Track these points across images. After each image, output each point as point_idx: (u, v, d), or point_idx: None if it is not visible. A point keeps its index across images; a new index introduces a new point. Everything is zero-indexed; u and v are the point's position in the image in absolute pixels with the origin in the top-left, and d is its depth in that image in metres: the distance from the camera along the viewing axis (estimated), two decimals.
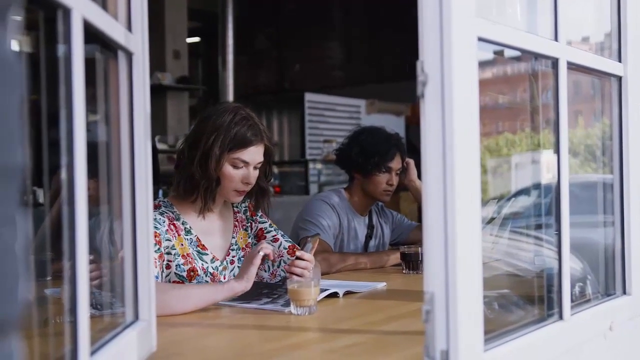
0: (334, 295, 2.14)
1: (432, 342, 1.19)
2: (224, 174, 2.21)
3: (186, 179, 2.21)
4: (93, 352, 1.12)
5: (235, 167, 2.21)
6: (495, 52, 1.50)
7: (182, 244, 2.20)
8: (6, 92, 0.52)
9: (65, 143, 1.02)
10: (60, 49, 1.04)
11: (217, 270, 2.27)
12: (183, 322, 1.86)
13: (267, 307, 1.96)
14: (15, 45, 0.55)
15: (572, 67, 1.60)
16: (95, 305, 1.36)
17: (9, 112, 0.52)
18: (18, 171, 0.55)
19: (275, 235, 2.42)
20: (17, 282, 0.55)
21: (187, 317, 1.91)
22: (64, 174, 1.03)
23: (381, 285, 2.38)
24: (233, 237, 2.36)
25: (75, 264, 1.03)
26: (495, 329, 1.36)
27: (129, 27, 1.38)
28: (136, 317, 1.40)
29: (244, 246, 2.38)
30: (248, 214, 2.44)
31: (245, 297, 2.06)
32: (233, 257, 2.34)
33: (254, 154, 2.23)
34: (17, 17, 0.55)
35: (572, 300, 1.57)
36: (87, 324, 1.04)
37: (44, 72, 1.09)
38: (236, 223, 2.39)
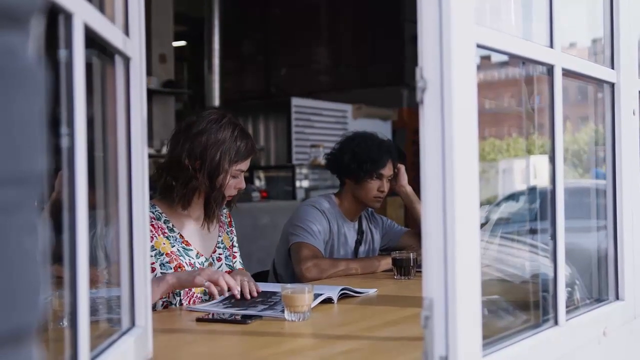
0: (328, 301, 2.13)
1: (431, 348, 1.19)
2: (225, 185, 2.31)
3: (191, 191, 2.28)
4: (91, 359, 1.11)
5: (234, 177, 2.33)
6: (482, 57, 1.50)
7: (164, 243, 2.26)
8: (29, 99, 0.52)
9: (66, 148, 1.02)
10: (61, 53, 1.03)
11: (203, 266, 2.34)
12: (179, 329, 1.86)
13: (265, 313, 1.95)
14: (37, 52, 0.55)
15: (566, 73, 1.61)
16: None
17: (32, 120, 0.52)
18: (39, 178, 0.54)
19: (236, 253, 2.52)
20: (39, 290, 0.54)
21: (182, 323, 1.91)
22: (64, 179, 1.02)
23: (372, 292, 2.37)
24: (219, 236, 2.45)
25: (75, 270, 1.02)
26: (492, 335, 1.36)
27: (127, 32, 1.37)
28: (133, 323, 1.39)
29: (228, 246, 2.48)
30: (227, 220, 2.54)
31: (241, 304, 2.05)
32: (220, 254, 2.43)
33: (249, 162, 2.37)
34: (38, 25, 0.55)
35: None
36: (87, 331, 1.03)
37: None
38: (221, 224, 2.49)
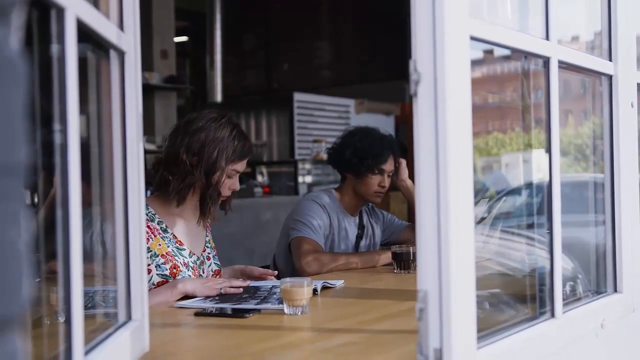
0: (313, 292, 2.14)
1: (425, 340, 1.20)
2: (221, 182, 2.33)
3: (187, 187, 2.30)
4: (87, 352, 1.11)
5: (229, 177, 2.34)
6: (485, 51, 1.50)
7: (159, 244, 2.28)
8: (10, 91, 0.52)
9: (58, 143, 1.02)
10: (54, 48, 1.03)
11: (196, 265, 2.37)
12: (175, 323, 1.86)
13: (264, 306, 1.96)
14: (18, 44, 0.55)
15: (563, 66, 1.61)
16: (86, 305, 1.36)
17: (13, 111, 0.52)
18: (22, 169, 0.55)
19: (210, 254, 2.51)
20: (22, 280, 0.55)
21: (179, 317, 1.91)
22: (57, 176, 1.02)
23: (340, 283, 2.40)
24: (207, 236, 2.50)
25: (69, 264, 1.02)
26: (488, 328, 1.37)
27: (121, 26, 1.37)
28: (129, 317, 1.39)
29: (214, 246, 2.53)
30: (209, 221, 2.56)
31: (229, 300, 2.05)
32: (208, 254, 2.47)
33: (245, 164, 2.40)
34: (20, 16, 0.55)
35: (563, 299, 1.58)
36: (81, 324, 1.04)
37: (35, 71, 1.09)
38: (207, 225, 2.51)
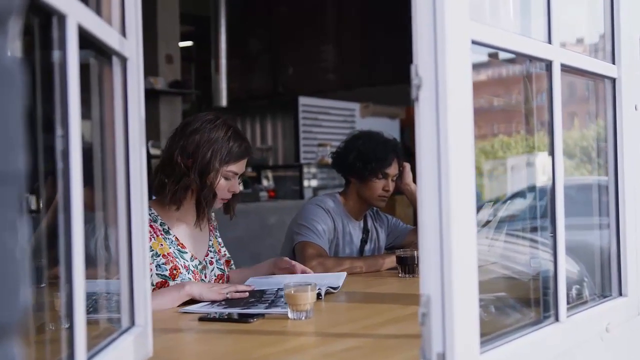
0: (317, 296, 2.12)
1: (428, 345, 1.19)
2: (215, 184, 2.32)
3: (183, 189, 2.30)
4: (89, 358, 1.12)
5: (226, 178, 2.34)
6: (490, 55, 1.50)
7: (161, 245, 2.29)
8: (8, 98, 0.52)
9: (60, 149, 1.02)
10: (55, 54, 1.04)
11: (197, 269, 2.37)
12: (179, 328, 1.86)
13: (271, 311, 1.95)
14: (15, 52, 0.55)
15: (566, 69, 1.61)
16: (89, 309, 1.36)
17: (11, 119, 0.53)
18: (19, 177, 0.55)
19: (212, 258, 2.50)
20: (19, 286, 0.55)
21: (183, 322, 1.91)
22: (59, 181, 1.02)
23: (342, 276, 2.43)
24: (210, 240, 2.49)
25: (71, 270, 1.02)
26: (491, 332, 1.36)
27: (123, 32, 1.38)
28: (132, 322, 1.39)
29: (218, 250, 2.52)
30: (215, 224, 2.57)
31: (235, 305, 2.05)
32: (211, 258, 2.47)
33: (243, 166, 2.38)
34: (17, 25, 0.56)
35: (568, 303, 1.57)
36: (84, 330, 1.04)
37: (37, 77, 1.09)
38: (211, 228, 2.52)
